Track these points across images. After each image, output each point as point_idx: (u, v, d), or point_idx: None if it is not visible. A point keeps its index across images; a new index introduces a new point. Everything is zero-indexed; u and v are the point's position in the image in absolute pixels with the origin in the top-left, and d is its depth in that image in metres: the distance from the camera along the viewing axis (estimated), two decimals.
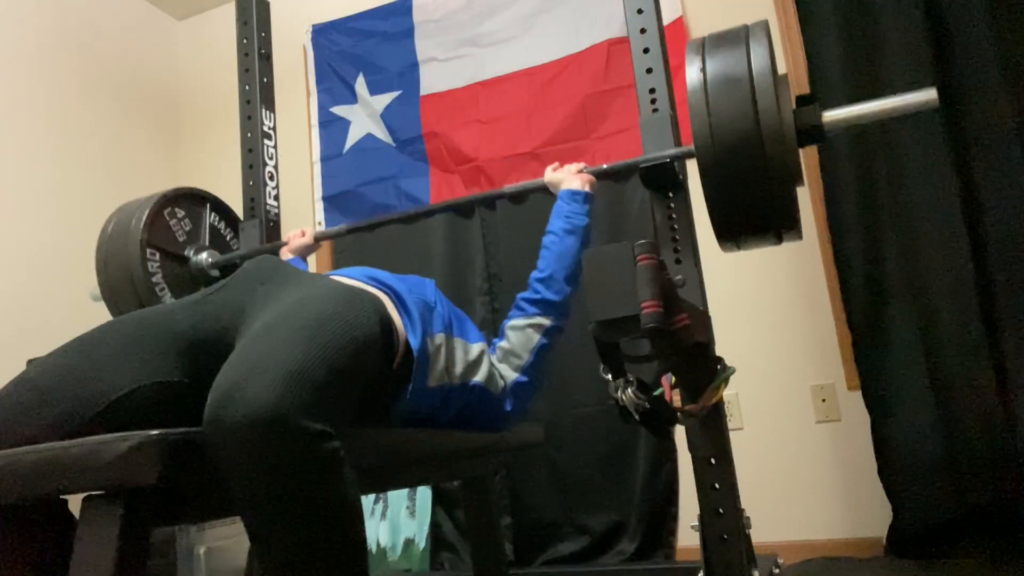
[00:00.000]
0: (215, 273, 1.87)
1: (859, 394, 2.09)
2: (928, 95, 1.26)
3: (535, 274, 1.44)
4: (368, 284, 1.18)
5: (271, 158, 2.06)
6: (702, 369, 1.29)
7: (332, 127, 2.94)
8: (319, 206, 2.89)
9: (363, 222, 1.96)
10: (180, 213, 1.86)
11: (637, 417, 1.21)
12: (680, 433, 1.38)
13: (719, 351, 1.34)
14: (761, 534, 1.50)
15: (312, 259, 2.82)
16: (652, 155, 1.46)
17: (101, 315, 1.75)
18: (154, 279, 1.75)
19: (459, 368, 1.24)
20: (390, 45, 2.86)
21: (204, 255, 1.87)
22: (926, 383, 1.99)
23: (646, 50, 1.54)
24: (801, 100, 1.30)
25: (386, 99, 2.84)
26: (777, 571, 1.52)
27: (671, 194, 1.48)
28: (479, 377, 1.27)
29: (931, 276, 2.01)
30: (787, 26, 2.33)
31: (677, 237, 1.46)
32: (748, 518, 1.34)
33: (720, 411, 1.36)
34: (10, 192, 2.54)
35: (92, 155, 2.86)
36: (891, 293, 2.08)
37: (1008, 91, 1.94)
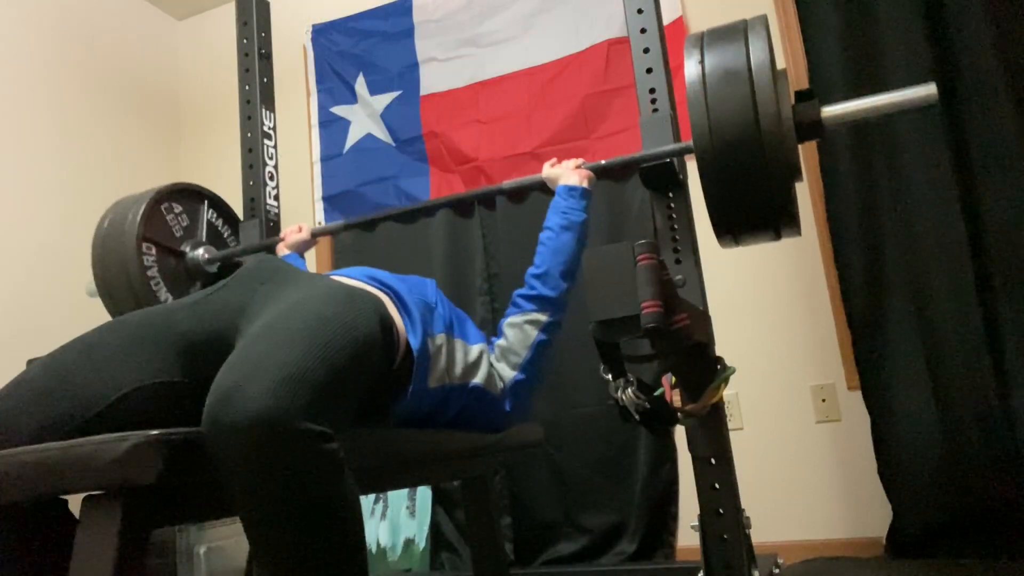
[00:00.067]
0: (212, 269, 1.86)
1: (859, 394, 2.09)
2: (927, 90, 1.26)
3: (531, 270, 1.44)
4: (368, 284, 1.18)
5: (271, 158, 2.06)
6: (702, 369, 1.29)
7: (332, 127, 2.94)
8: (319, 206, 2.89)
9: (360, 218, 1.96)
10: (177, 208, 1.85)
11: (637, 417, 1.21)
12: (680, 433, 1.39)
13: (719, 351, 1.34)
14: (761, 534, 1.51)
15: (312, 259, 2.84)
16: (651, 151, 1.46)
17: (101, 315, 1.75)
18: (150, 273, 1.73)
19: (459, 369, 1.24)
20: (390, 45, 2.86)
21: (201, 251, 1.86)
22: (926, 383, 1.99)
23: (646, 50, 1.54)
24: (800, 95, 1.30)
25: (386, 99, 2.84)
26: (777, 571, 1.52)
27: (671, 194, 1.48)
28: (478, 378, 1.27)
29: (931, 276, 2.01)
30: (787, 25, 2.33)
31: (677, 237, 1.46)
32: (748, 518, 1.34)
33: (720, 411, 1.36)
34: (10, 192, 2.54)
35: (92, 155, 2.86)
36: (891, 293, 2.08)
37: (1008, 89, 1.94)
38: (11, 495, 0.81)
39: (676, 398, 1.35)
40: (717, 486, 1.33)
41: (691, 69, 1.24)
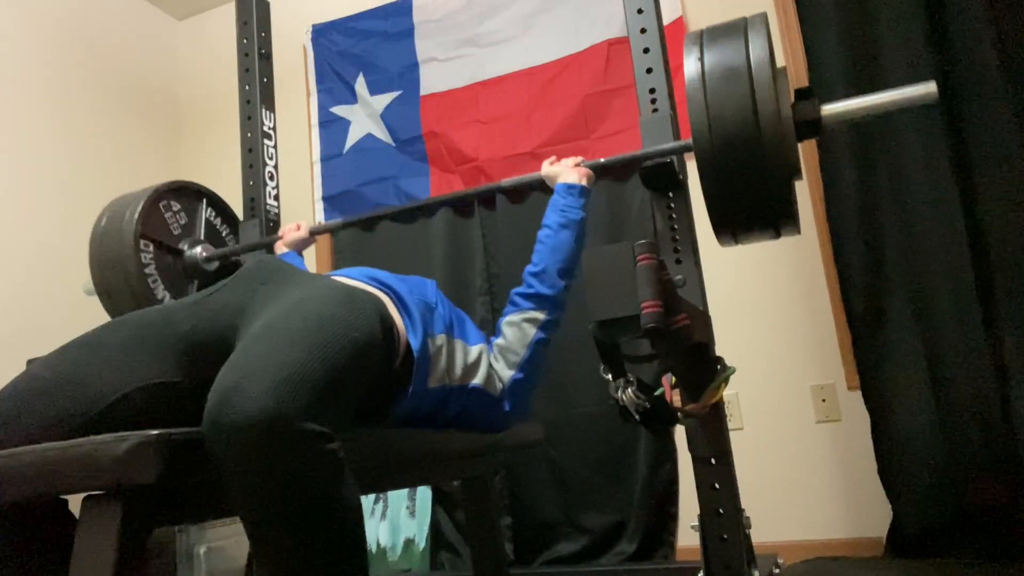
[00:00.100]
0: (210, 267, 1.86)
1: (859, 394, 2.09)
2: (927, 88, 1.25)
3: (529, 268, 1.43)
4: (369, 284, 1.18)
5: (271, 158, 2.06)
6: (702, 369, 1.29)
7: (332, 127, 2.94)
8: (319, 206, 2.89)
9: (358, 216, 1.96)
10: (176, 206, 1.85)
11: (637, 417, 1.21)
12: (680, 433, 1.38)
13: (719, 351, 1.34)
14: (761, 534, 1.50)
15: (312, 259, 2.84)
16: (650, 149, 1.46)
17: (101, 315, 1.75)
18: (147, 271, 1.73)
19: (458, 370, 1.24)
20: (390, 45, 2.86)
21: (199, 249, 1.86)
22: (926, 383, 1.99)
23: (646, 50, 1.54)
24: (800, 93, 1.30)
25: (386, 99, 2.84)
26: (777, 571, 1.52)
27: (671, 194, 1.48)
28: (477, 379, 1.27)
29: (931, 276, 2.01)
30: (787, 25, 2.33)
31: (677, 237, 1.46)
32: (748, 518, 1.34)
33: (720, 411, 1.35)
34: (10, 192, 2.54)
35: (92, 155, 2.86)
36: (891, 293, 2.08)
37: (1008, 89, 1.94)
38: (11, 495, 0.81)
39: (676, 398, 1.35)
40: (717, 486, 1.33)
41: (690, 67, 1.24)
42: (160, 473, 0.73)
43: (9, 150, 2.57)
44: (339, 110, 2.93)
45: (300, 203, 2.87)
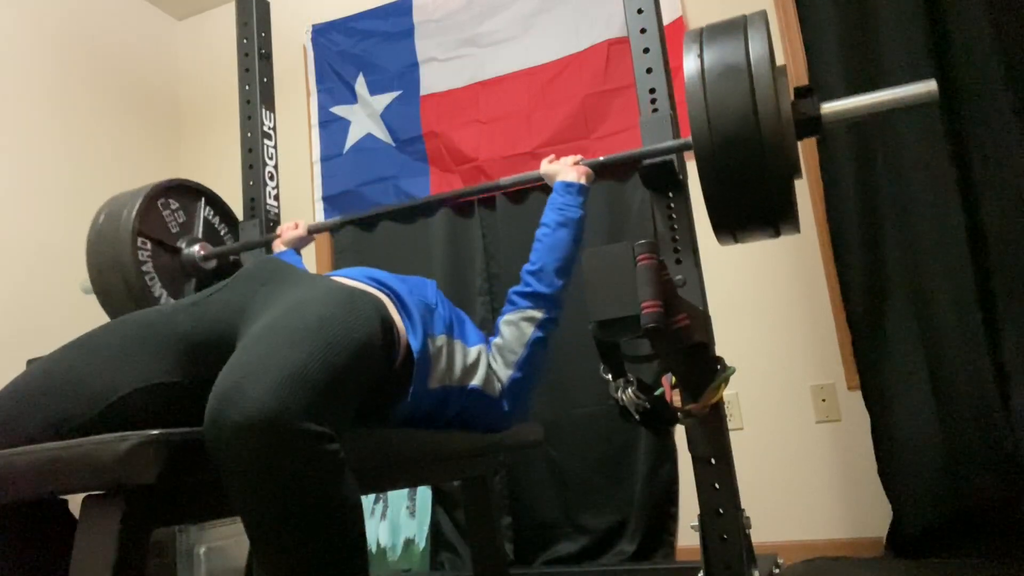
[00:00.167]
0: (208, 266, 1.85)
1: (859, 394, 2.09)
2: (927, 87, 1.25)
3: (526, 267, 1.43)
4: (369, 285, 1.17)
5: (271, 158, 2.06)
6: (702, 369, 1.29)
7: (332, 127, 2.94)
8: (319, 206, 2.89)
9: (357, 214, 1.95)
10: (174, 204, 1.84)
11: (637, 417, 1.21)
12: (680, 433, 1.38)
13: (719, 351, 1.34)
14: (761, 534, 1.50)
15: (312, 259, 2.84)
16: (649, 147, 1.45)
17: (101, 315, 1.75)
18: (144, 268, 1.71)
19: (457, 371, 1.24)
20: (390, 45, 2.86)
21: (196, 247, 1.85)
22: (926, 383, 1.99)
23: (646, 50, 1.54)
24: (799, 92, 1.29)
25: (386, 99, 2.84)
26: (777, 571, 1.52)
27: (671, 194, 1.48)
28: (476, 380, 1.27)
29: (931, 276, 2.01)
30: (787, 25, 2.33)
31: (677, 237, 1.46)
32: (748, 518, 1.34)
33: (720, 411, 1.35)
34: (10, 192, 2.54)
35: (92, 155, 2.86)
36: (891, 293, 2.08)
37: (1008, 90, 1.94)
38: (11, 495, 0.81)
39: (676, 398, 1.35)
40: (717, 486, 1.33)
41: (690, 64, 1.24)
42: (160, 473, 0.73)
43: (9, 150, 2.57)
44: (339, 110, 2.93)
45: (300, 203, 2.87)
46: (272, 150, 2.07)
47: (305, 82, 3.02)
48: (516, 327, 1.37)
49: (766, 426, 2.22)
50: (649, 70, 1.53)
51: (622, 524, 2.26)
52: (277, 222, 2.02)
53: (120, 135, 3.01)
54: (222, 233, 1.98)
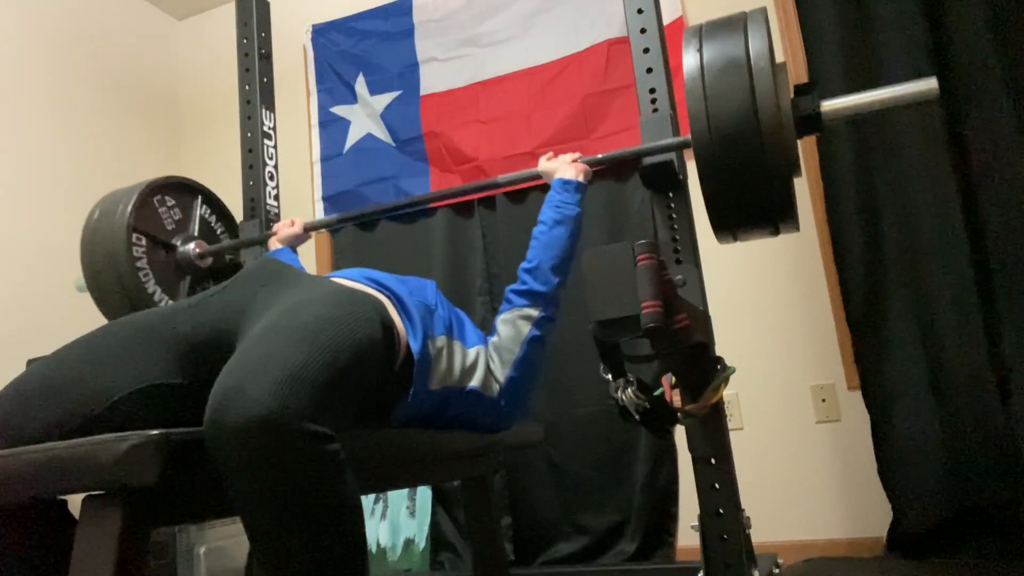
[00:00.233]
0: (203, 263, 1.85)
1: (859, 394, 2.09)
2: (928, 84, 1.25)
3: (523, 265, 1.42)
4: (368, 286, 1.17)
5: (271, 158, 2.06)
6: (702, 369, 1.29)
7: (332, 127, 2.94)
8: (319, 206, 2.89)
9: (353, 212, 1.95)
10: (170, 202, 1.83)
11: (637, 417, 1.21)
12: (680, 433, 1.38)
13: (719, 351, 1.34)
14: (761, 534, 1.50)
15: (312, 259, 2.84)
16: (648, 145, 1.45)
17: (100, 316, 1.75)
18: (139, 265, 1.70)
19: (456, 373, 1.24)
20: (390, 45, 2.86)
21: (192, 245, 1.83)
22: (926, 383, 1.99)
23: (646, 50, 1.54)
24: (799, 89, 1.29)
25: (386, 99, 2.84)
26: (777, 571, 1.52)
27: (671, 194, 1.48)
28: (475, 381, 1.27)
29: (931, 276, 2.01)
30: (787, 25, 2.33)
31: (677, 237, 1.46)
32: (748, 518, 1.34)
33: (720, 411, 1.35)
34: (10, 192, 2.54)
35: (92, 155, 2.86)
36: (891, 293, 2.08)
37: (1008, 89, 1.94)
38: (11, 495, 0.81)
39: (676, 398, 1.35)
40: (717, 486, 1.33)
41: (689, 59, 1.23)
42: (160, 473, 0.73)
43: (9, 150, 2.57)
44: (339, 110, 2.93)
45: (300, 203, 2.87)
46: (272, 150, 2.07)
47: (305, 82, 3.02)
48: (512, 326, 1.37)
49: (766, 426, 2.22)
50: (649, 70, 1.53)
51: (622, 524, 2.26)
52: (277, 222, 2.02)
53: (120, 135, 3.01)
54: (218, 232, 1.97)
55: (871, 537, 2.06)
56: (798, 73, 2.27)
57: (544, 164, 1.61)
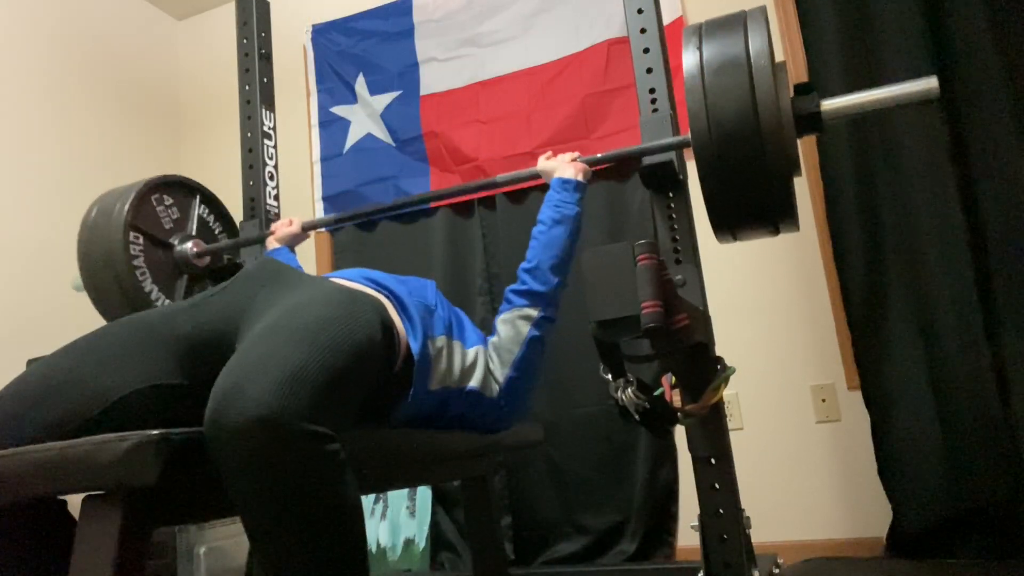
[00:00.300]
0: (200, 263, 1.85)
1: (859, 394, 2.09)
2: (928, 83, 1.24)
3: (522, 265, 1.41)
4: (368, 287, 1.17)
5: (271, 158, 2.06)
6: (702, 369, 1.29)
7: (332, 127, 2.94)
8: (319, 206, 2.89)
9: (352, 212, 1.95)
10: (168, 200, 1.82)
11: (637, 417, 1.21)
12: (680, 433, 1.38)
13: (719, 351, 1.34)
14: (761, 534, 1.50)
15: (312, 259, 2.84)
16: (648, 144, 1.45)
17: (100, 316, 1.74)
18: (136, 263, 1.69)
19: (456, 373, 1.24)
20: (390, 45, 2.86)
21: (189, 244, 1.83)
22: (926, 383, 1.99)
23: (646, 50, 1.54)
24: (799, 88, 1.29)
25: (386, 99, 2.84)
26: (777, 571, 1.52)
27: (671, 194, 1.48)
28: (474, 382, 1.26)
29: (931, 276, 2.01)
30: (787, 25, 2.33)
31: (677, 237, 1.46)
32: (748, 518, 1.34)
33: (720, 411, 1.35)
34: (10, 192, 2.54)
35: (92, 155, 2.86)
36: (891, 293, 2.08)
37: (1008, 89, 1.94)
38: (11, 495, 0.81)
39: (676, 398, 1.35)
40: (717, 486, 1.33)
41: (689, 58, 1.22)
42: (160, 473, 0.73)
43: (9, 150, 2.57)
44: (339, 110, 2.93)
45: (300, 203, 2.87)
46: (272, 150, 2.07)
47: (305, 82, 3.02)
48: (512, 325, 1.36)
49: (766, 426, 2.22)
50: (649, 70, 1.53)
51: (622, 524, 2.26)
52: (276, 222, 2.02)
53: (120, 135, 3.01)
54: (216, 231, 1.97)
55: (871, 537, 2.06)
56: (798, 73, 2.27)
57: (543, 163, 1.60)
